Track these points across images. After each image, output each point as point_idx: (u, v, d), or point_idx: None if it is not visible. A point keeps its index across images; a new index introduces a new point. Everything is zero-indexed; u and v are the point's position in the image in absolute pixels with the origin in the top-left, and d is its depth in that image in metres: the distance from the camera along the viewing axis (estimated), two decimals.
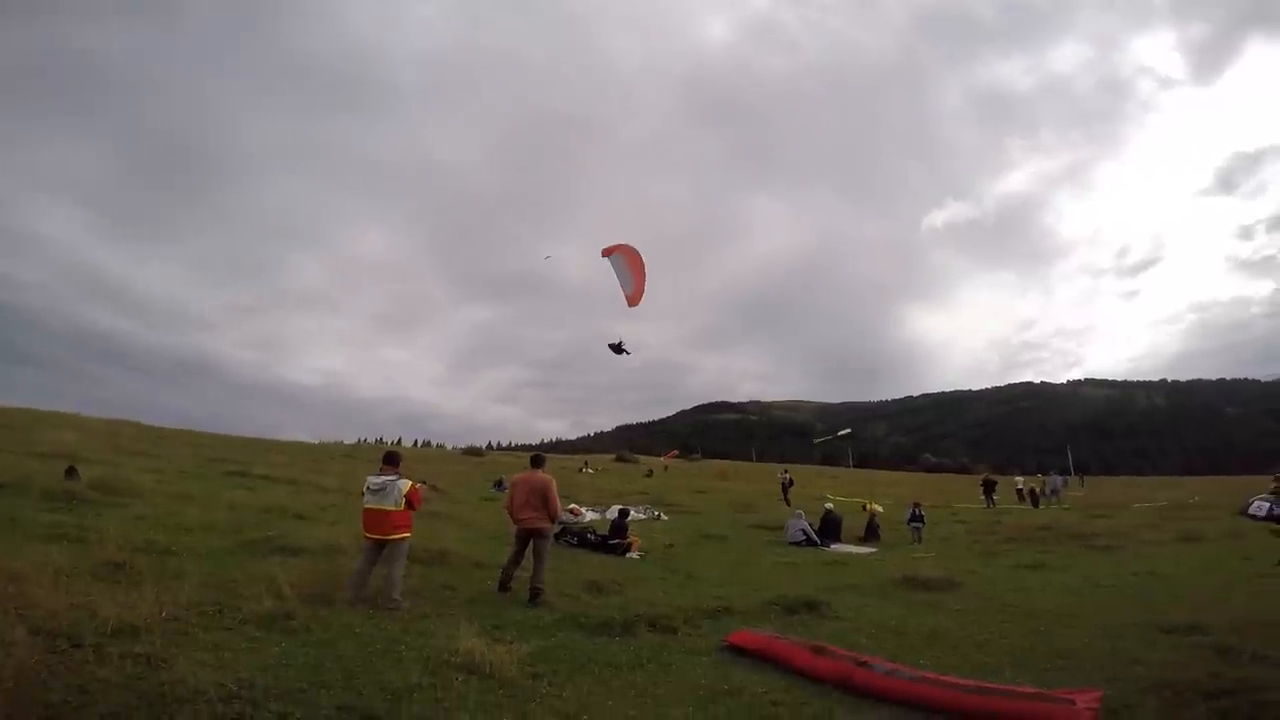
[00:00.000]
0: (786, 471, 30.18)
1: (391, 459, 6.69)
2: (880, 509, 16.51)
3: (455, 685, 4.19)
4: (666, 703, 4.24)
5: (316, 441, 43.40)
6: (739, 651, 5.34)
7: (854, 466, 79.01)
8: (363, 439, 73.60)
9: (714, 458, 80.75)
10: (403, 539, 6.39)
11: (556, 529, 11.87)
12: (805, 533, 13.61)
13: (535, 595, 6.74)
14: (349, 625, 5.34)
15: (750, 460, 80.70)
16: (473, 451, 48.57)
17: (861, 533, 14.82)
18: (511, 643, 4.94)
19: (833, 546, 13.41)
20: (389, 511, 6.31)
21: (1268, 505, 3.80)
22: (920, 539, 14.60)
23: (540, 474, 7.29)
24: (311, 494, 14.38)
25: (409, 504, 6.41)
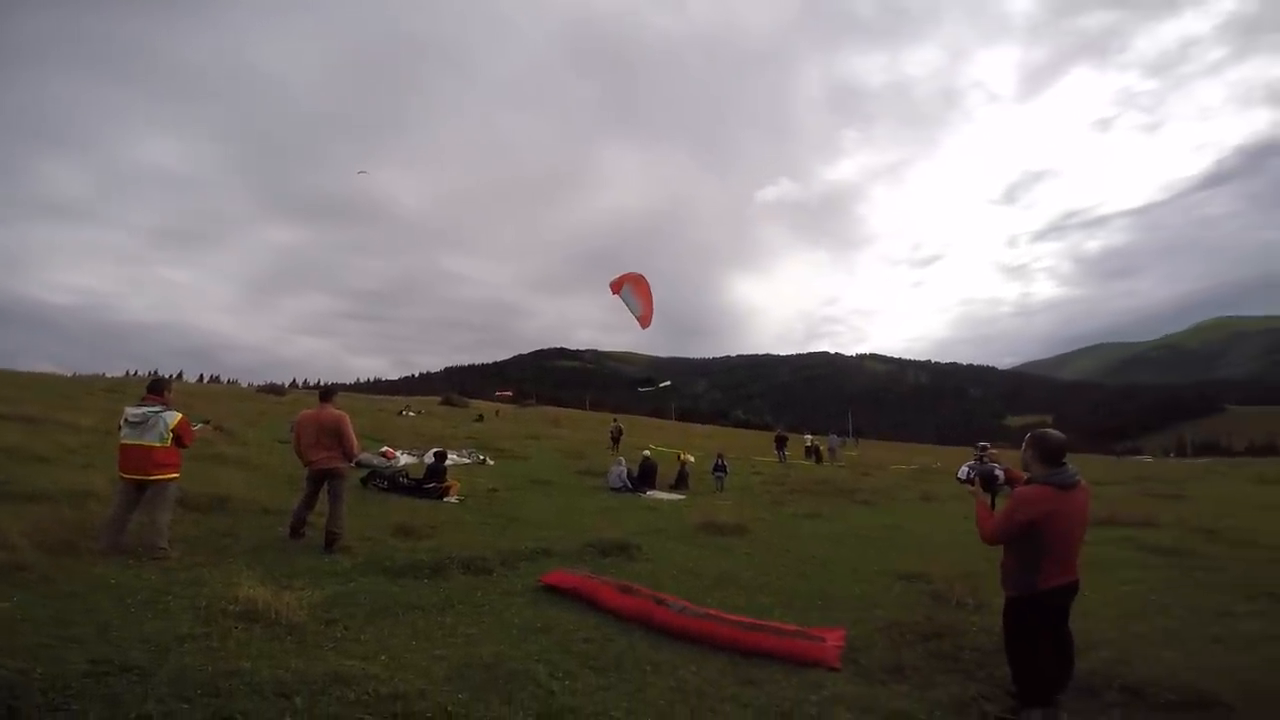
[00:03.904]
0: (617, 420, 31.38)
1: (156, 387, 5.85)
2: (692, 459, 17.80)
3: (234, 634, 3.87)
4: (477, 641, 4.27)
5: (70, 374, 35.98)
6: (554, 591, 5.52)
7: (677, 419, 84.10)
8: (132, 371, 61.64)
9: (550, 404, 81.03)
10: (169, 480, 5.64)
11: (364, 473, 11.26)
12: (622, 479, 14.34)
13: (332, 541, 6.35)
14: (102, 576, 4.69)
15: (584, 408, 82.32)
16: (272, 389, 43.33)
17: (674, 480, 15.95)
18: (303, 589, 4.66)
19: (648, 493, 14.25)
20: (152, 448, 5.52)
21: (966, 469, 4.87)
22: (722, 488, 16.07)
23: (331, 409, 6.77)
24: (57, 433, 12.08)
25: (177, 440, 5.65)
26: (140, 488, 5.55)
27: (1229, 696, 3.72)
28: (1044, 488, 3.51)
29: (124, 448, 5.58)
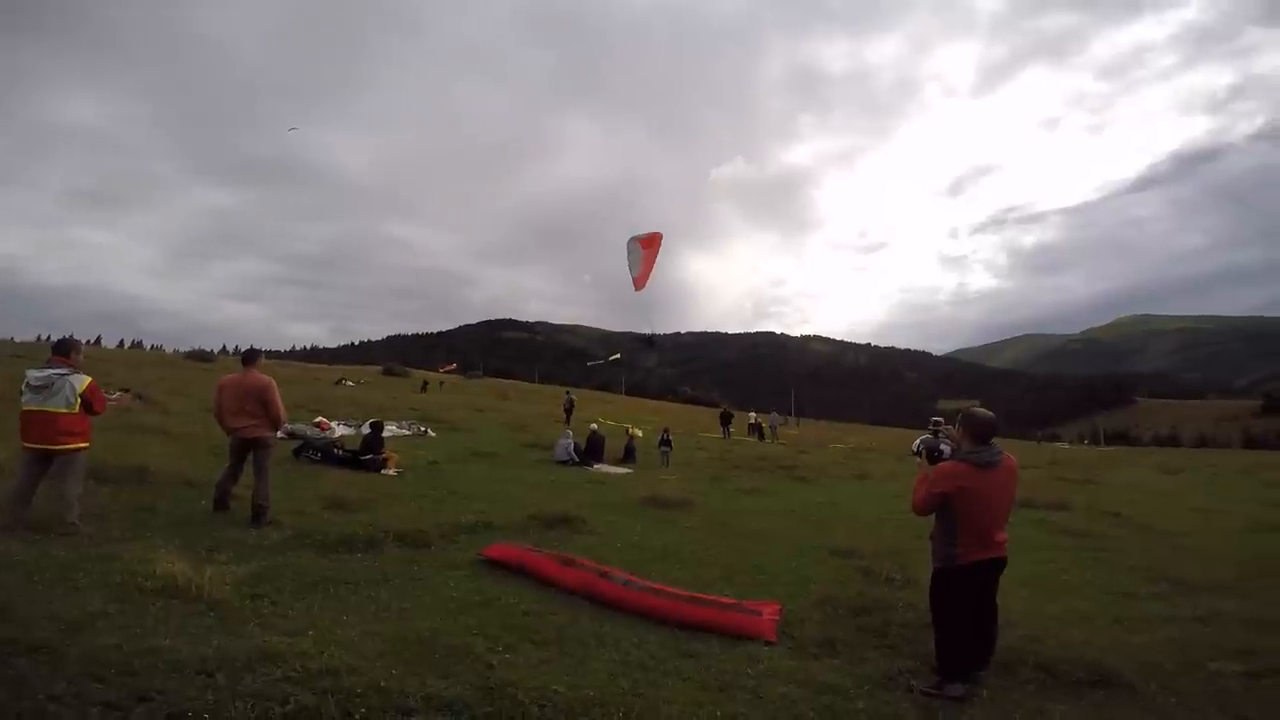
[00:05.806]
0: (570, 393, 31.39)
1: (62, 348, 5.38)
2: (639, 434, 17.92)
3: (151, 611, 3.67)
4: (413, 615, 4.18)
5: None
6: (494, 564, 5.45)
7: (626, 394, 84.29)
8: (44, 336, 56.63)
9: (498, 376, 79.70)
10: (78, 450, 5.26)
11: (296, 444, 10.82)
12: (569, 452, 14.31)
13: (259, 514, 6.08)
14: (5, 553, 4.39)
15: (533, 381, 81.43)
16: (200, 356, 41.11)
17: (621, 454, 16.05)
18: (226, 564, 4.46)
19: (595, 466, 14.28)
20: (58, 415, 5.11)
21: (919, 443, 5.13)
22: (667, 462, 16.26)
23: (255, 374, 6.42)
24: None
25: (86, 406, 5.25)
26: (47, 458, 5.15)
27: (1131, 675, 3.99)
28: (961, 464, 3.67)
29: (27, 414, 5.15)
